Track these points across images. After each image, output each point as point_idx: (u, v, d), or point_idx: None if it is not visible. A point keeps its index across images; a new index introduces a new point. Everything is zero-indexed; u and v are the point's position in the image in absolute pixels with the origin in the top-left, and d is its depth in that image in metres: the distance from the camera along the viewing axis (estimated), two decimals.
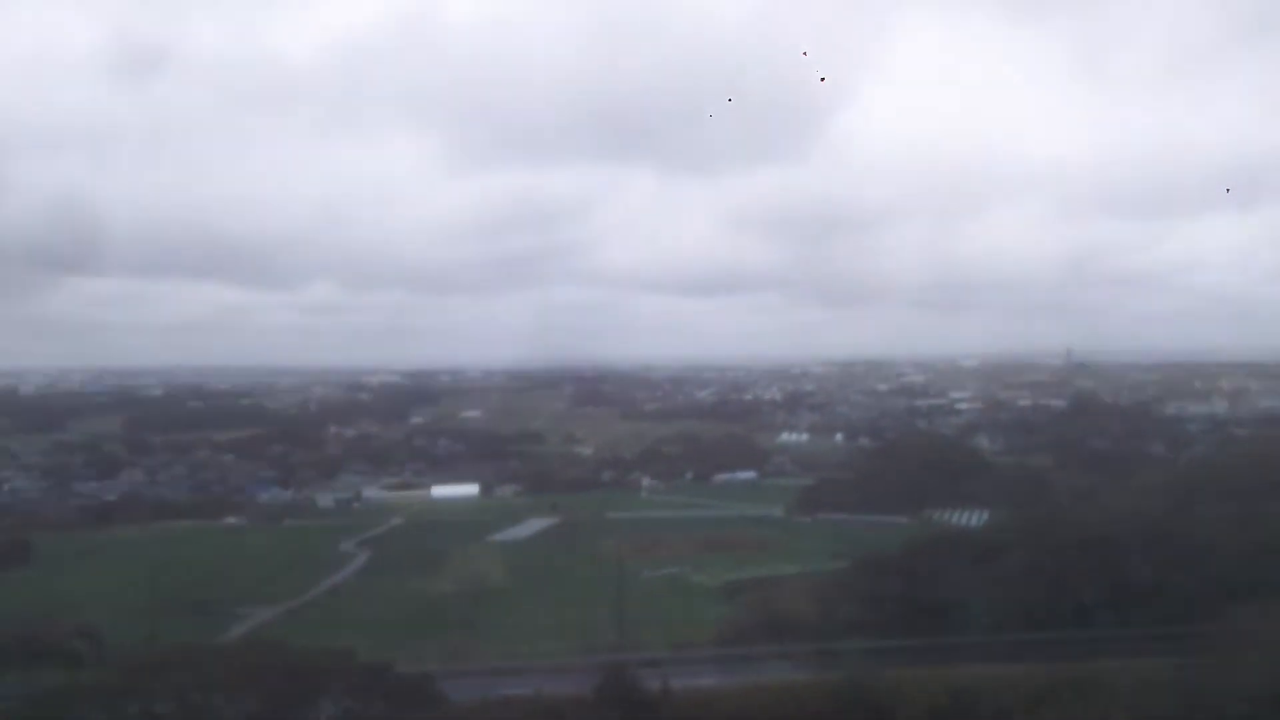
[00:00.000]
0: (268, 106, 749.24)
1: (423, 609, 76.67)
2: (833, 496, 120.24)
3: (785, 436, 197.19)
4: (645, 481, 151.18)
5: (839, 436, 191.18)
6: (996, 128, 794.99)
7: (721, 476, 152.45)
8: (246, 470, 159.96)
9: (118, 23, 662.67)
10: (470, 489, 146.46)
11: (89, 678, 49.38)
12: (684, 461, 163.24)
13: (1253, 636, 40.93)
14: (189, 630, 64.95)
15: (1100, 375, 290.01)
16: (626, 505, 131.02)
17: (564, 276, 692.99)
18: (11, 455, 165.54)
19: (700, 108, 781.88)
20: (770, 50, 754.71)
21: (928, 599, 60.93)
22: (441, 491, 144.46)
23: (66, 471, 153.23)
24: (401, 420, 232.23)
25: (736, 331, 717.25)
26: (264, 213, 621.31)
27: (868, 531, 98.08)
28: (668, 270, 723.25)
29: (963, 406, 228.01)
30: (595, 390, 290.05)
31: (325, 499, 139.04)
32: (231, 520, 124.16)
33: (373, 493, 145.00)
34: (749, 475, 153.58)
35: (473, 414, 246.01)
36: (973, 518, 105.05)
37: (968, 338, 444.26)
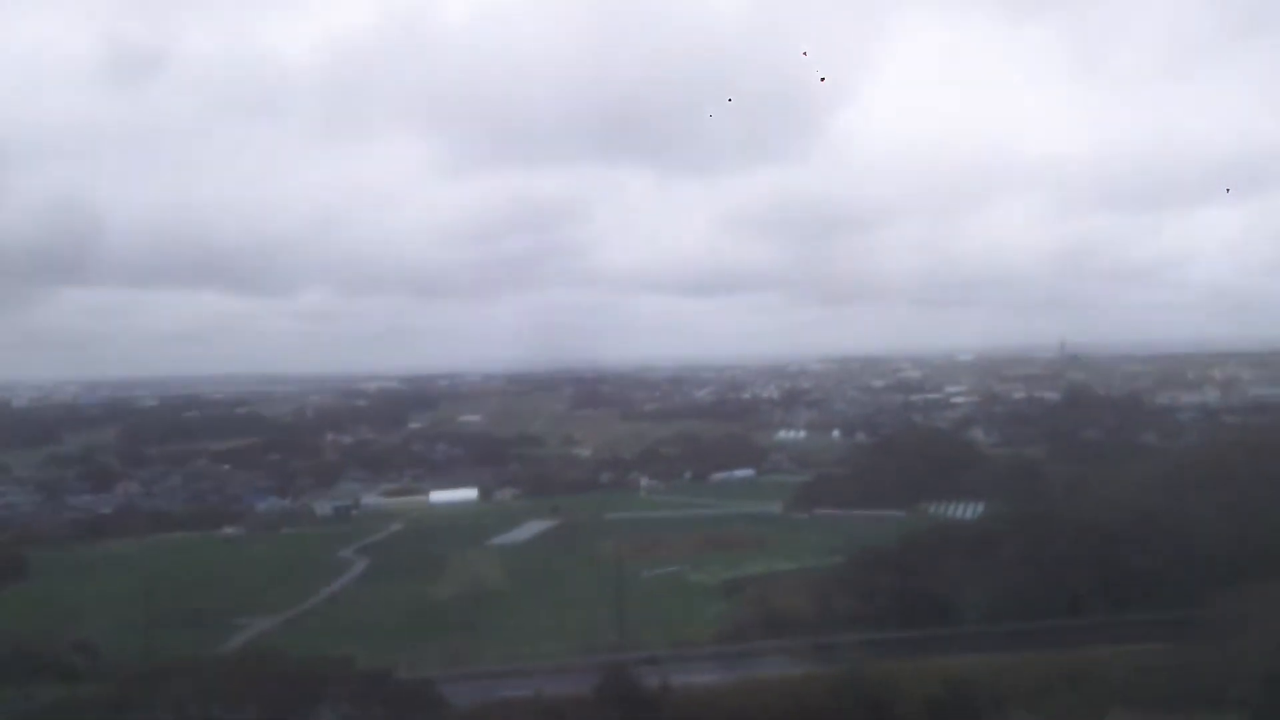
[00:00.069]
0: (262, 111, 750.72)
1: (423, 614, 76.65)
2: (830, 492, 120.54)
3: (783, 434, 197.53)
4: (644, 482, 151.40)
5: (836, 433, 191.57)
6: (991, 125, 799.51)
7: (720, 475, 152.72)
8: (243, 480, 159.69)
9: (111, 29, 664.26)
10: (469, 493, 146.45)
11: (87, 692, 49.40)
12: (682, 461, 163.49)
13: (1244, 621, 41.18)
14: (187, 642, 64.79)
15: (1093, 367, 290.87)
16: (625, 506, 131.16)
17: (562, 278, 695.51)
18: (5, 469, 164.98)
19: (697, 108, 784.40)
20: (767, 51, 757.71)
21: (924, 591, 61.28)
22: (440, 496, 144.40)
23: (61, 485, 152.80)
24: (399, 426, 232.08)
25: (734, 331, 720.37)
26: (258, 219, 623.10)
27: (865, 526, 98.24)
28: (665, 271, 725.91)
29: (958, 400, 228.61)
30: (593, 392, 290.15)
31: (323, 507, 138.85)
32: (229, 530, 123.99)
33: (371, 499, 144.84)
34: (747, 473, 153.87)
35: (471, 418, 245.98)
36: (969, 510, 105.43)
37: (963, 333, 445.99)
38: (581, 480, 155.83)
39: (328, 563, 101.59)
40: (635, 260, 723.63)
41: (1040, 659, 46.63)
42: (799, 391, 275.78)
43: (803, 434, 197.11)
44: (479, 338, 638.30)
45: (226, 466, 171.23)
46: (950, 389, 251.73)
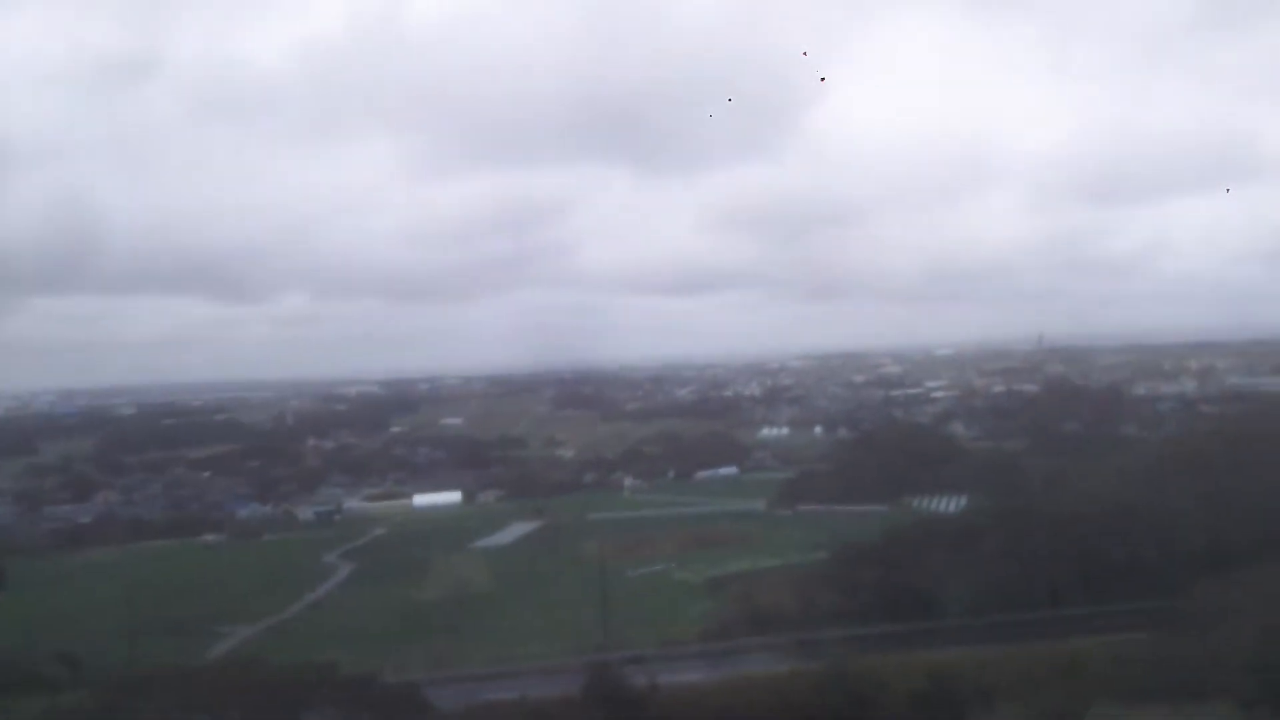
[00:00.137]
0: (238, 116, 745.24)
1: (407, 618, 76.30)
2: (813, 489, 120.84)
3: (765, 431, 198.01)
4: (627, 481, 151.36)
5: (818, 429, 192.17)
6: (969, 121, 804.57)
7: (703, 474, 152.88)
8: (224, 486, 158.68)
9: (86, 35, 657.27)
10: (452, 496, 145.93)
11: (68, 702, 48.89)
12: (665, 460, 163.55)
13: (1225, 610, 41.63)
14: (169, 651, 64.31)
15: (1072, 359, 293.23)
16: (609, 506, 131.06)
17: (542, 279, 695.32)
18: None
19: (676, 107, 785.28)
20: (746, 49, 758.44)
21: (908, 586, 61.62)
22: (423, 500, 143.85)
23: (39, 495, 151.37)
24: (380, 430, 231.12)
25: (715, 329, 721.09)
26: (236, 224, 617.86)
27: (848, 522, 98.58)
28: (646, 270, 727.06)
29: (938, 395, 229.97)
30: (576, 393, 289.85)
31: (305, 512, 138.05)
32: (210, 537, 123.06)
33: (353, 504, 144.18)
34: (730, 471, 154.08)
35: (453, 421, 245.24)
36: (950, 504, 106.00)
37: (943, 328, 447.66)
38: (565, 481, 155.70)
39: (311, 568, 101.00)
40: (616, 260, 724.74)
41: (1023, 651, 47.00)
42: (780, 389, 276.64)
43: (785, 431, 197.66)
44: (460, 340, 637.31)
45: (206, 473, 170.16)
46: (930, 384, 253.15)
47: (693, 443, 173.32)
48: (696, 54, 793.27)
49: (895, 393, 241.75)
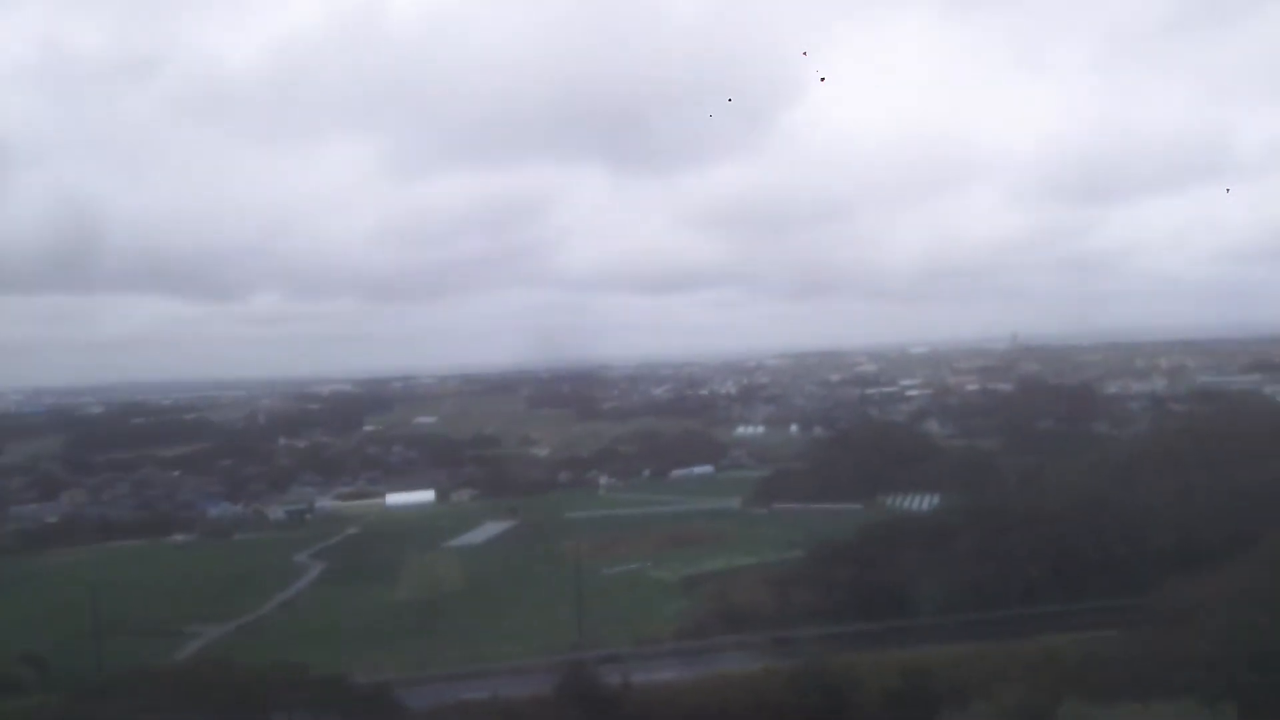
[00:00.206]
0: (211, 114, 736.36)
1: (379, 618, 75.68)
2: (788, 487, 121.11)
3: (741, 430, 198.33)
4: (603, 480, 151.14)
5: (794, 428, 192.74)
6: (943, 120, 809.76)
7: (679, 472, 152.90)
8: (194, 486, 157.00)
9: (53, 33, 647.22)
10: (426, 495, 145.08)
11: (34, 704, 48.07)
12: (642, 459, 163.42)
13: (1195, 607, 41.96)
14: (137, 652, 63.40)
15: (1045, 358, 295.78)
16: (585, 505, 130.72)
17: (517, 279, 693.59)
18: None
19: (653, 106, 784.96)
20: (721, 48, 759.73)
21: (882, 584, 61.77)
22: (396, 499, 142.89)
23: (4, 495, 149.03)
24: (354, 429, 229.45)
25: (692, 327, 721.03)
26: (208, 223, 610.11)
27: (823, 520, 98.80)
28: (622, 269, 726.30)
29: (913, 393, 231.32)
30: (552, 391, 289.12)
31: (276, 512, 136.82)
32: (180, 537, 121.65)
33: (326, 503, 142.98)
34: (706, 470, 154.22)
35: (427, 420, 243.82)
36: (925, 502, 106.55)
37: (919, 326, 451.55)
38: (540, 480, 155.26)
39: (282, 568, 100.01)
40: (593, 259, 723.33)
41: (996, 648, 47.14)
42: (757, 387, 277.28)
43: (761, 429, 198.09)
44: (435, 339, 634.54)
45: (176, 473, 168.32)
46: (905, 382, 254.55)
47: (669, 441, 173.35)
48: (675, 53, 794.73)
49: (871, 391, 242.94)
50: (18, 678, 56.33)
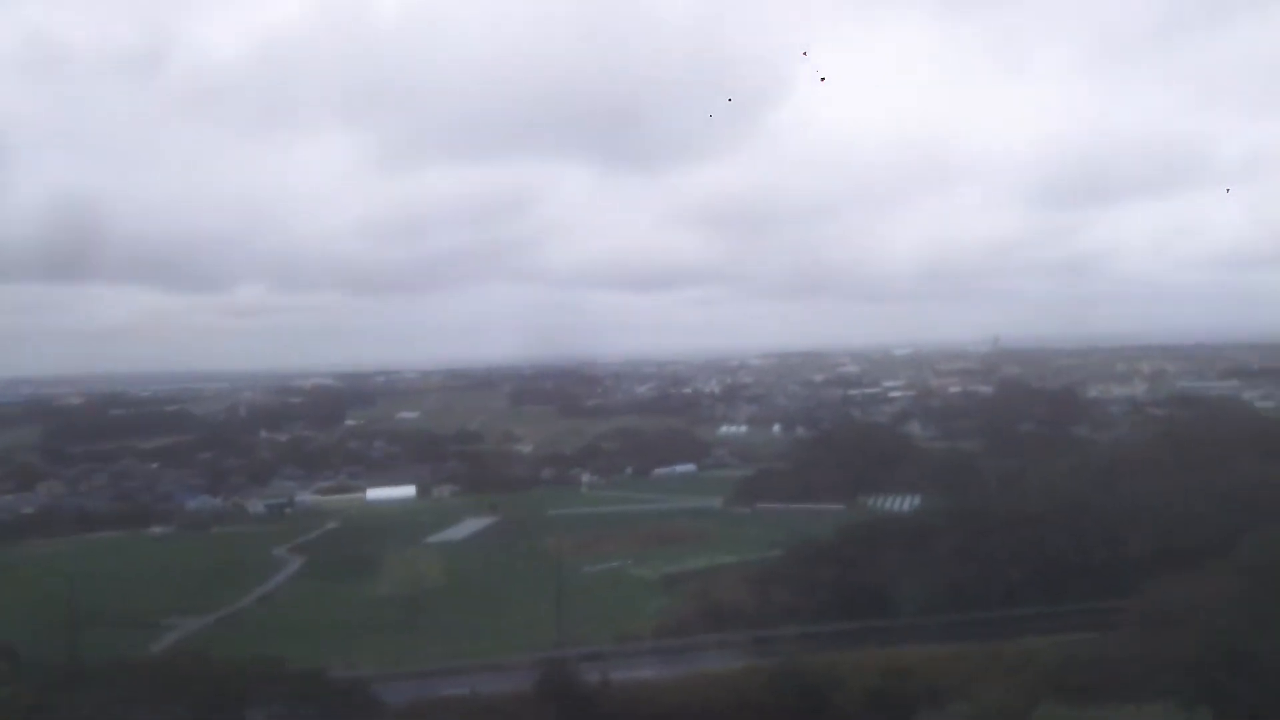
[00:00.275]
0: (192, 105, 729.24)
1: (358, 613, 75.31)
2: (771, 487, 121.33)
3: (724, 429, 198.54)
4: (586, 478, 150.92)
5: (776, 427, 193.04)
6: (932, 122, 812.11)
7: (661, 470, 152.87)
8: (173, 478, 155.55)
9: (33, 19, 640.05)
10: (407, 491, 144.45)
11: (6, 695, 47.39)
12: (624, 457, 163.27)
13: (1174, 610, 42.17)
14: (113, 645, 62.78)
15: (1026, 361, 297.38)
16: (567, 502, 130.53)
17: (501, 274, 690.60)
18: None
19: (639, 103, 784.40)
20: (712, 47, 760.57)
21: (863, 584, 61.97)
22: (377, 494, 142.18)
23: None
24: (335, 423, 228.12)
25: (676, 325, 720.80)
26: (189, 214, 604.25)
27: (805, 520, 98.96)
28: (607, 266, 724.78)
29: (895, 395, 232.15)
30: (535, 388, 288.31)
31: (256, 505, 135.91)
32: (158, 529, 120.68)
33: (306, 497, 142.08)
34: (689, 468, 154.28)
35: (409, 415, 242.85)
36: (906, 503, 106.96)
37: (901, 328, 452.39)
38: (522, 477, 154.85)
39: (261, 561, 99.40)
40: (578, 255, 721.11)
41: (976, 649, 47.30)
42: (740, 386, 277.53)
43: (744, 429, 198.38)
44: (418, 334, 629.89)
45: (155, 465, 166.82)
46: (888, 383, 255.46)
47: (652, 439, 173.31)
48: (663, 50, 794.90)
49: (853, 392, 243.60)
50: None
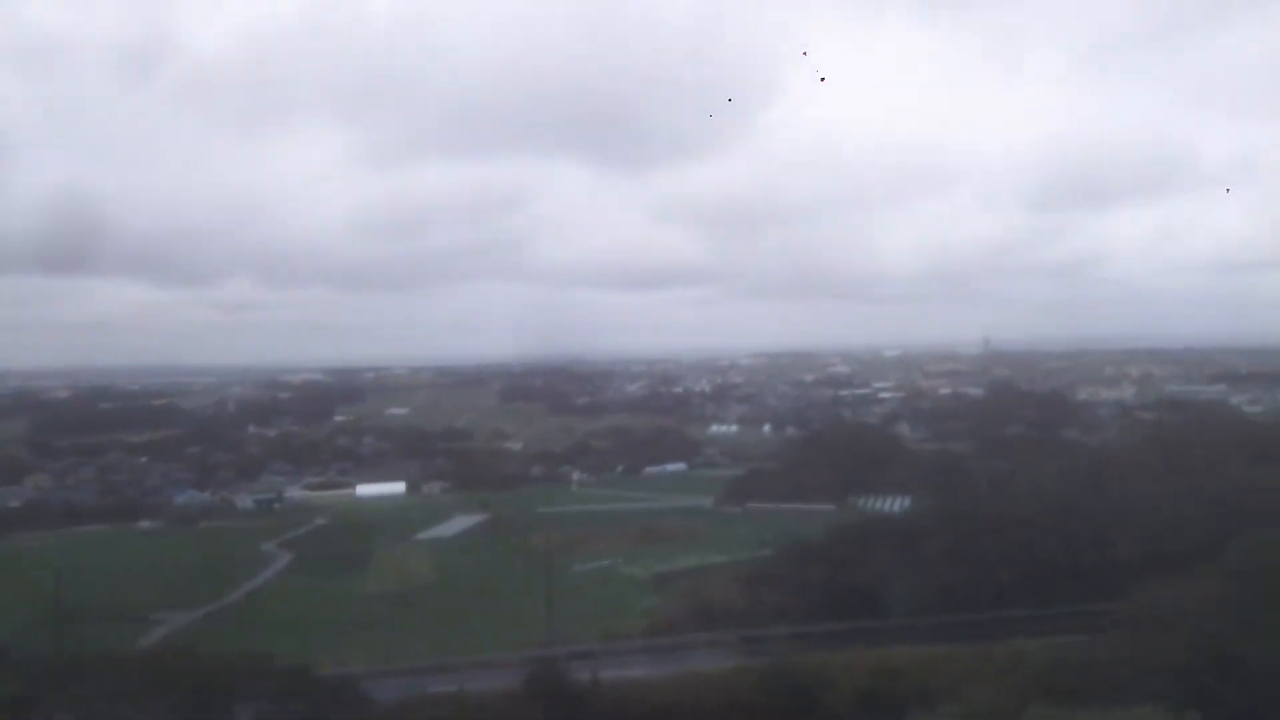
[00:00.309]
0: (182, 98, 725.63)
1: (347, 610, 75.13)
2: (761, 486, 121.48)
3: (714, 428, 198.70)
4: (576, 476, 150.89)
5: (767, 427, 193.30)
6: (922, 124, 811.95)
7: (652, 469, 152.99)
8: (161, 472, 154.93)
9: (20, 13, 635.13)
10: (396, 487, 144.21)
11: None
12: (614, 455, 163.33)
13: (1163, 613, 42.35)
14: (100, 639, 62.15)
15: (1016, 363, 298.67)
16: (557, 500, 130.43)
17: (492, 272, 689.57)
18: None
19: (631, 102, 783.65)
20: (703, 47, 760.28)
21: (853, 584, 61.99)
22: (366, 490, 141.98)
23: None
24: (325, 419, 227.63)
25: (667, 324, 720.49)
26: (178, 208, 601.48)
27: (796, 520, 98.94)
28: (597, 264, 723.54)
29: (885, 396, 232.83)
30: (525, 385, 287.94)
31: (245, 500, 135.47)
32: (146, 524, 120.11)
33: (295, 493, 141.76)
34: (679, 467, 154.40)
35: (399, 411, 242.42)
36: (896, 504, 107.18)
37: (892, 329, 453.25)
38: (512, 474, 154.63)
39: (249, 557, 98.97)
40: (568, 253, 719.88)
41: (966, 651, 47.39)
42: (730, 386, 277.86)
43: (734, 428, 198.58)
44: (408, 331, 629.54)
45: (143, 459, 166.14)
46: (878, 384, 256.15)
47: (642, 438, 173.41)
48: (653, 50, 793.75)
49: (844, 392, 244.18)
50: None
